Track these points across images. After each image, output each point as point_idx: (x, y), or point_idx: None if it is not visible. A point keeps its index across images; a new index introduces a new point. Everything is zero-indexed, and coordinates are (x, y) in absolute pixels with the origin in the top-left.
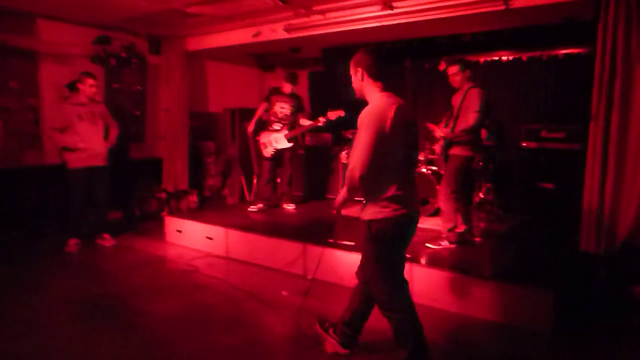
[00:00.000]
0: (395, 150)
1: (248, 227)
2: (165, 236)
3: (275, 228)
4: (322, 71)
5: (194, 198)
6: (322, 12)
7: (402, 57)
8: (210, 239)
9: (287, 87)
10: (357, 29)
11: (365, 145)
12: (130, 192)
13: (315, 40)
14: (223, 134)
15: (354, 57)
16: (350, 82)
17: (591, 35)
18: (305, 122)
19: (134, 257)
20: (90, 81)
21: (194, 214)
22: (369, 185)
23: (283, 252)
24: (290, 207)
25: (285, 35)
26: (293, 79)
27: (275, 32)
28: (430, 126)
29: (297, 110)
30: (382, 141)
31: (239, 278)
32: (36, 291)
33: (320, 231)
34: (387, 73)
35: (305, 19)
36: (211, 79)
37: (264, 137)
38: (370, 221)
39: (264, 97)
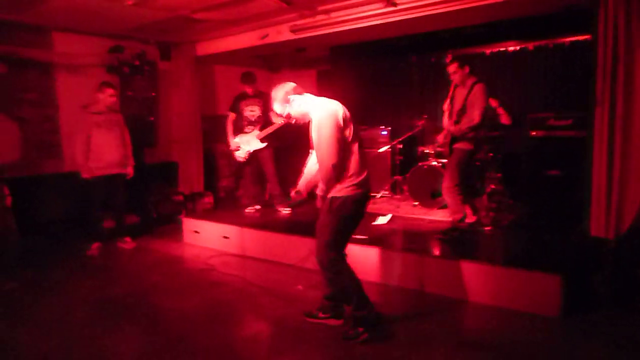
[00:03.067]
0: (348, 139)
1: (262, 225)
2: (183, 237)
3: (288, 225)
4: (330, 69)
5: (209, 199)
6: (327, 12)
7: (408, 52)
8: (227, 238)
9: (249, 89)
10: (361, 27)
11: (329, 137)
12: (147, 196)
13: (322, 40)
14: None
15: (279, 97)
16: (358, 78)
17: (593, 22)
18: (277, 119)
19: (153, 258)
20: (110, 91)
21: (210, 215)
22: (339, 171)
23: (297, 248)
24: (285, 210)
25: (292, 37)
26: (248, 79)
27: (282, 33)
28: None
29: (267, 108)
30: (340, 132)
31: (255, 274)
32: (60, 293)
33: None
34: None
35: (310, 20)
36: (220, 82)
37: (232, 143)
38: (332, 197)
39: (229, 107)
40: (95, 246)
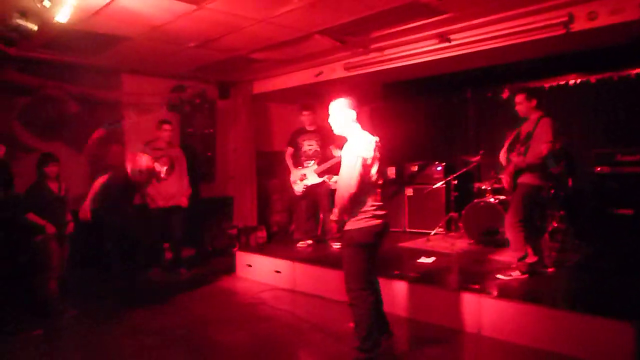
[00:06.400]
0: (371, 173)
1: (314, 260)
2: (235, 270)
3: (340, 261)
4: (383, 106)
5: (262, 233)
6: (380, 50)
7: (463, 87)
8: (278, 272)
9: (308, 122)
10: (415, 64)
11: (353, 169)
12: (203, 229)
13: (375, 77)
14: (288, 171)
15: (343, 102)
16: (412, 114)
17: None
18: (336, 152)
19: (205, 290)
20: (167, 126)
21: (263, 249)
22: (355, 202)
23: None
24: (336, 245)
25: (346, 74)
26: (307, 107)
27: (335, 71)
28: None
29: (326, 142)
30: (364, 166)
31: (305, 310)
32: (114, 322)
33: (383, 263)
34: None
35: (363, 57)
36: (274, 120)
37: (292, 175)
38: (349, 230)
39: (287, 142)
40: (156, 270)
